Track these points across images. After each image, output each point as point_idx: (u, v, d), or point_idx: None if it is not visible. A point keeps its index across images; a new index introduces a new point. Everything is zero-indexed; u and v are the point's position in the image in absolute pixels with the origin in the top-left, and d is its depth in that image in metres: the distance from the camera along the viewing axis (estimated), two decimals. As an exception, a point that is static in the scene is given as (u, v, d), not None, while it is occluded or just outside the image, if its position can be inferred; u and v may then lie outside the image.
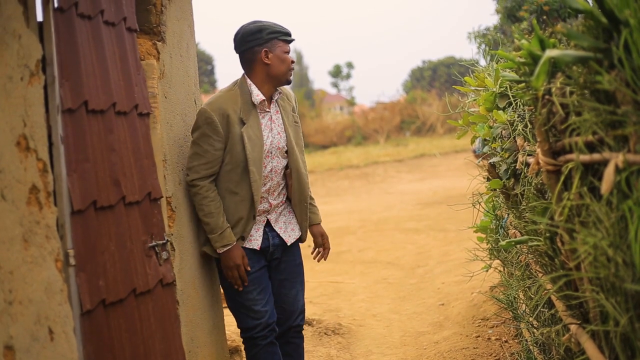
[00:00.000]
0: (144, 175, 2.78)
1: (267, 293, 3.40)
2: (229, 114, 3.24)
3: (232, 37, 3.39)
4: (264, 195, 3.36)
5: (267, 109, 3.37)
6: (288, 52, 3.36)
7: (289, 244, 3.46)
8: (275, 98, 3.41)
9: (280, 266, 3.49)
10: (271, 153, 3.35)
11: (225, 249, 3.27)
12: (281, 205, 3.46)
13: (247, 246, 3.36)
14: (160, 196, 2.89)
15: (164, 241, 2.87)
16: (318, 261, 3.67)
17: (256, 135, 3.29)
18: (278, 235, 3.44)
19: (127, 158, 2.67)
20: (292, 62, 3.38)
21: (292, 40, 3.40)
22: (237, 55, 3.40)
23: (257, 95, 3.31)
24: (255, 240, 3.38)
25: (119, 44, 2.73)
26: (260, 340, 3.35)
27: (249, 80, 3.34)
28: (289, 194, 3.48)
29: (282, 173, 3.44)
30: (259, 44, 3.30)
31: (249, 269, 3.30)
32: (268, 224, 3.42)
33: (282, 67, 3.32)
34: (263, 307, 3.36)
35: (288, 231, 3.48)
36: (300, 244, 3.58)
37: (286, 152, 3.43)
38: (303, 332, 3.63)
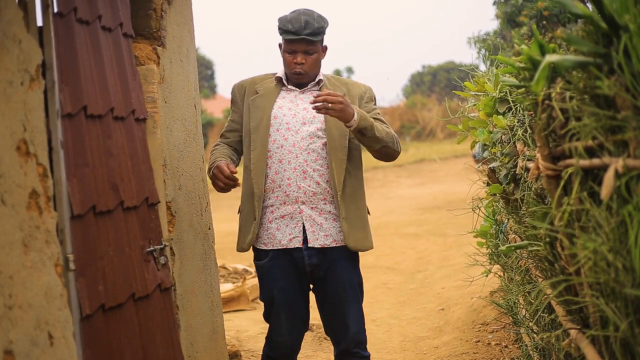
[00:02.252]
0: (141, 180, 2.78)
1: (295, 320, 3.17)
2: (246, 87, 3.25)
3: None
4: (284, 174, 3.06)
5: (294, 88, 3.18)
6: (290, 51, 3.10)
7: (313, 245, 3.07)
8: (309, 87, 3.17)
9: (325, 285, 3.16)
10: (281, 125, 3.10)
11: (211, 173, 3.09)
12: (322, 201, 3.09)
13: (273, 247, 3.09)
14: (157, 201, 2.89)
15: (162, 246, 2.86)
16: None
17: (264, 104, 3.15)
18: (316, 252, 3.09)
19: (124, 163, 2.67)
20: (294, 62, 3.08)
21: (293, 39, 3.05)
22: None
23: (280, 73, 3.19)
24: (287, 235, 3.08)
25: (115, 49, 2.73)
26: None
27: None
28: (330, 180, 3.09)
29: (314, 155, 3.09)
30: (279, 33, 3.15)
31: (233, 169, 3.01)
32: (304, 231, 3.07)
33: (285, 63, 3.16)
34: (282, 338, 3.16)
35: (318, 232, 3.08)
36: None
37: (324, 131, 3.09)
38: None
